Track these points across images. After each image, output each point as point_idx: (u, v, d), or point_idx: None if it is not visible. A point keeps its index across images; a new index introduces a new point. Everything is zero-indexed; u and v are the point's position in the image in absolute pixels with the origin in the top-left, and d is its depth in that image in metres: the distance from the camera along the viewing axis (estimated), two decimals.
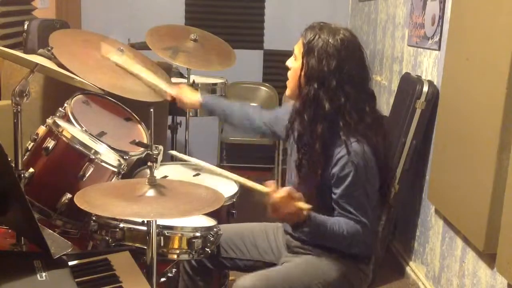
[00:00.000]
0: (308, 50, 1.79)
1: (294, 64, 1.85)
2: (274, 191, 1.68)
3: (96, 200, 1.54)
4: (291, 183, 1.93)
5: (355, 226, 1.73)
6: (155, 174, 1.61)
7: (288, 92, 1.90)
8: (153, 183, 1.58)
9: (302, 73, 1.80)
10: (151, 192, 1.56)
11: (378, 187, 1.80)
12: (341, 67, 1.76)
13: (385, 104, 3.69)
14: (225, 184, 2.30)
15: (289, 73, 1.88)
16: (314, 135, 1.77)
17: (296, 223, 1.73)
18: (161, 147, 1.92)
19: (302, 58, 1.80)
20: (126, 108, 2.42)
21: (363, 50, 1.84)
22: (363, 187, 1.74)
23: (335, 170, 1.75)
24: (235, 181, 2.13)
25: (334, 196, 1.76)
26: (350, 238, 1.74)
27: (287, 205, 1.66)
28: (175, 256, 1.85)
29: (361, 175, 1.72)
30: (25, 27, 3.29)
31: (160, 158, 1.70)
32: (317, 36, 1.78)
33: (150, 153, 1.62)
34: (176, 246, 1.84)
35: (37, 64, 1.82)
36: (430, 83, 2.83)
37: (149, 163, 1.62)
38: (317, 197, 1.78)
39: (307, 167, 1.80)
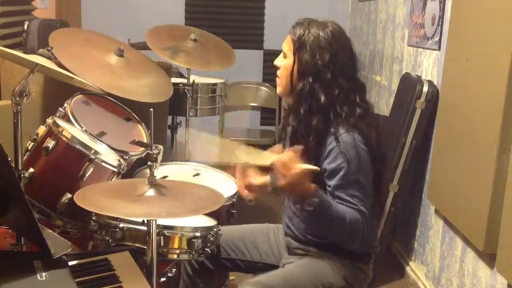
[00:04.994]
0: (300, 46, 1.80)
1: (284, 61, 1.86)
2: (276, 160, 1.62)
3: (101, 201, 1.54)
4: None
5: (355, 213, 1.71)
6: (154, 174, 1.61)
7: (279, 90, 1.91)
8: (153, 182, 1.58)
9: (295, 69, 1.81)
10: (151, 192, 1.56)
11: (372, 178, 1.79)
12: (334, 59, 1.77)
13: (385, 104, 3.69)
14: (225, 184, 2.30)
15: (279, 71, 1.89)
16: (309, 128, 1.78)
17: (303, 196, 1.66)
18: (161, 147, 1.92)
19: (294, 54, 1.81)
20: (126, 108, 2.42)
21: (351, 41, 1.85)
22: (356, 177, 1.73)
23: (327, 162, 1.75)
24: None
25: (329, 189, 1.75)
26: (351, 225, 1.70)
27: (290, 167, 1.59)
28: (175, 256, 1.85)
29: (352, 166, 1.72)
30: (25, 27, 3.29)
31: (160, 157, 1.70)
32: (307, 31, 1.80)
33: (150, 152, 1.62)
34: (176, 246, 1.84)
35: (37, 64, 1.82)
36: (430, 83, 2.83)
37: (149, 163, 1.62)
38: None
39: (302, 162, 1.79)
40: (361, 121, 1.77)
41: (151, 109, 1.63)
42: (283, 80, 1.87)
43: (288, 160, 1.61)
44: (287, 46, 1.85)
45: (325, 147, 1.76)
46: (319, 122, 1.77)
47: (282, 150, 1.75)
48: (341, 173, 1.72)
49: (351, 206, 1.72)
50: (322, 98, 1.76)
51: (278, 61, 1.89)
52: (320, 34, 1.78)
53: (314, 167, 1.64)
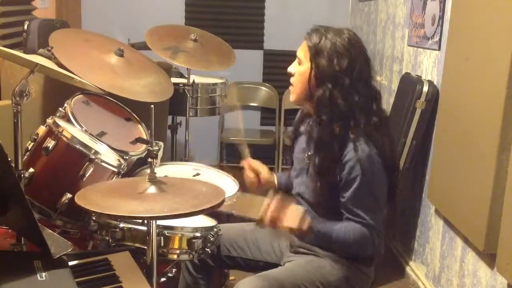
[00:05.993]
0: (316, 52, 1.78)
1: (299, 68, 1.84)
2: (265, 212, 1.71)
3: (102, 201, 1.54)
4: (297, 188, 1.93)
5: (363, 230, 1.73)
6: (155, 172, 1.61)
7: (293, 97, 1.89)
8: (153, 179, 1.58)
9: (312, 76, 1.79)
10: (152, 189, 1.56)
11: (386, 189, 1.81)
12: (352, 65, 1.77)
13: (385, 104, 3.66)
14: (225, 184, 2.30)
15: (294, 79, 1.86)
16: (333, 135, 1.77)
17: (300, 235, 1.76)
18: (161, 143, 1.92)
19: (310, 61, 1.80)
20: (126, 108, 2.42)
21: (366, 48, 1.85)
22: (371, 189, 1.74)
23: (343, 173, 1.75)
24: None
25: (342, 200, 1.76)
26: (358, 243, 1.74)
27: (280, 219, 1.70)
28: (175, 256, 1.85)
29: (368, 178, 1.73)
30: (25, 27, 3.28)
31: (160, 154, 1.70)
32: (323, 38, 1.79)
33: (151, 149, 1.62)
34: (176, 246, 1.84)
35: (37, 64, 1.82)
36: (430, 83, 2.83)
37: (149, 159, 1.62)
38: (330, 200, 1.79)
39: (325, 169, 1.80)
40: (377, 131, 1.78)
41: (152, 105, 1.63)
42: (297, 87, 1.85)
43: (275, 214, 1.69)
44: (302, 53, 1.83)
45: (342, 156, 1.75)
46: (341, 129, 1.77)
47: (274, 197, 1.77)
48: (355, 185, 1.73)
49: (359, 221, 1.74)
50: (342, 104, 1.76)
51: (293, 68, 1.87)
52: (338, 40, 1.77)
53: (308, 222, 1.71)
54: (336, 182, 1.77)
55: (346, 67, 1.76)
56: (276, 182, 2.10)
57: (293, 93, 1.88)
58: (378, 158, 1.75)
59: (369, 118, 1.78)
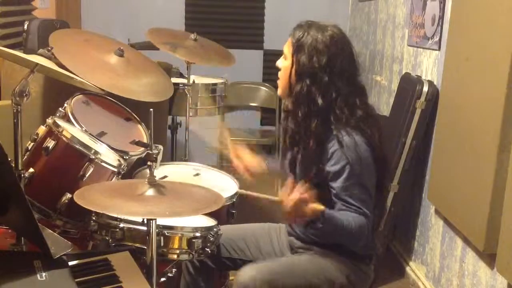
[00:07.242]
0: (298, 48, 1.81)
1: (284, 63, 1.87)
2: (286, 198, 1.65)
3: (101, 201, 1.54)
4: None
5: (360, 217, 1.72)
6: (154, 174, 1.61)
7: (279, 91, 1.93)
8: (152, 183, 1.58)
9: (293, 71, 1.82)
10: (151, 192, 1.56)
11: (375, 180, 1.80)
12: (331, 62, 1.78)
13: (385, 104, 3.69)
14: (225, 184, 2.30)
15: (280, 73, 1.90)
16: (308, 131, 1.78)
17: (309, 221, 1.72)
18: (160, 147, 1.91)
19: (292, 56, 1.82)
20: (126, 108, 2.42)
21: (351, 45, 1.86)
22: (359, 179, 1.74)
23: (330, 164, 1.76)
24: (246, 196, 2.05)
25: (333, 191, 1.76)
26: (358, 231, 1.72)
27: (301, 208, 1.64)
28: (175, 256, 1.85)
29: (356, 167, 1.73)
30: (25, 27, 3.29)
31: (160, 157, 1.70)
32: (306, 34, 1.81)
33: (150, 152, 1.62)
34: (176, 246, 1.84)
35: (37, 64, 1.82)
36: (430, 83, 2.83)
37: (148, 163, 1.62)
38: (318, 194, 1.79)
39: (301, 165, 1.81)
40: (363, 122, 1.78)
41: (151, 109, 1.63)
42: (281, 82, 1.89)
43: (299, 201, 1.62)
44: (287, 48, 1.86)
45: (327, 151, 1.76)
46: (318, 126, 1.78)
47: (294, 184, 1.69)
48: (344, 175, 1.74)
49: (356, 210, 1.73)
50: (320, 101, 1.77)
51: (280, 62, 1.90)
52: (318, 37, 1.79)
53: (321, 207, 1.66)
54: (319, 176, 1.77)
55: (325, 64, 1.77)
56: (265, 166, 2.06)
57: (279, 87, 1.92)
58: (365, 146, 1.75)
59: (353, 112, 1.78)
